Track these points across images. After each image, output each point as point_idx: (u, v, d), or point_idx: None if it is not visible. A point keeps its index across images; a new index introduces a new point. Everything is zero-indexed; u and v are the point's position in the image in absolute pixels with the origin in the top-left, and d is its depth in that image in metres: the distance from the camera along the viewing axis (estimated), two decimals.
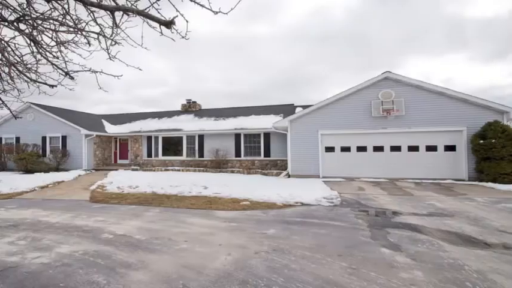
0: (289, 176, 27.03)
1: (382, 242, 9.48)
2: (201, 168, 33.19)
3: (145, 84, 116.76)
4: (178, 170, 33.07)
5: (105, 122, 42.60)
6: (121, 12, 5.15)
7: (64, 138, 36.52)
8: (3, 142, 38.26)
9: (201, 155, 35.86)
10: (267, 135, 33.70)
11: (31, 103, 36.70)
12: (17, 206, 16.26)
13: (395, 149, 24.92)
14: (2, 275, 7.25)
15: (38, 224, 12.14)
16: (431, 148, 24.19)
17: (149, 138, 38.37)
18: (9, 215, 13.80)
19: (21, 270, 7.48)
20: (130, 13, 5.09)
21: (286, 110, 36.87)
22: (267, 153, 33.84)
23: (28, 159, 32.55)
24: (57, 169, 33.84)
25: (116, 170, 34.64)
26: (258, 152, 34.23)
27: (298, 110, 30.28)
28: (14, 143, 37.59)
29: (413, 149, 24.55)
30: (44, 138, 37.21)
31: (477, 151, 22.03)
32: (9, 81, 6.73)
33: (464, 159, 23.22)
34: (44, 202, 17.41)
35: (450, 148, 23.82)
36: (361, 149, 25.70)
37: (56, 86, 6.27)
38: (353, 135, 25.75)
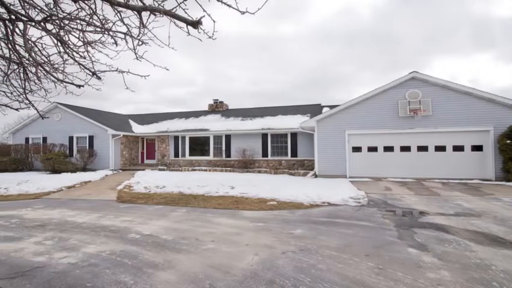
0: (316, 176, 26.95)
1: (409, 242, 9.44)
2: (228, 168, 33.32)
3: (172, 84, 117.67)
4: (205, 170, 33.22)
5: (132, 122, 42.99)
6: (148, 12, 5.19)
7: (91, 138, 36.80)
8: (30, 142, 38.68)
9: (228, 155, 36.01)
10: (294, 135, 33.73)
11: (58, 103, 37.25)
12: (44, 206, 16.41)
13: (422, 149, 24.76)
14: (29, 275, 7.29)
15: (65, 224, 12.27)
16: (458, 148, 23.99)
17: (176, 138, 38.54)
18: (36, 215, 13.94)
19: (48, 270, 7.52)
20: (157, 13, 5.14)
21: (313, 109, 36.83)
22: (294, 153, 33.85)
23: (55, 159, 32.84)
24: (84, 169, 34.07)
25: (143, 170, 34.79)
26: (285, 152, 34.24)
27: (325, 110, 30.26)
28: (41, 143, 37.97)
29: (440, 149, 24.37)
30: (71, 138, 37.55)
31: (504, 151, 21.86)
32: (36, 81, 6.75)
33: (491, 159, 23.01)
34: (70, 202, 17.56)
35: (477, 148, 23.61)
36: (388, 149, 25.53)
37: (83, 86, 6.34)
38: (380, 135, 25.63)
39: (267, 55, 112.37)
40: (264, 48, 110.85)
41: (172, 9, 5.01)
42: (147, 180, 25.26)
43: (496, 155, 22.92)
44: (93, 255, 8.55)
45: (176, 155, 38.54)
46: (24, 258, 8.39)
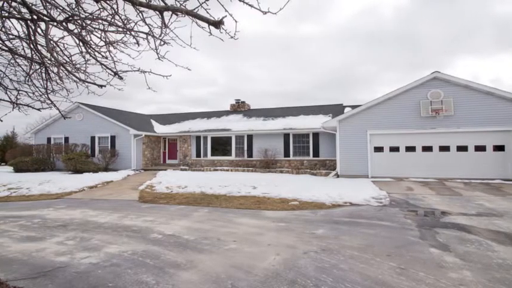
0: (338, 176, 26.96)
1: (430, 242, 9.46)
2: (250, 168, 33.43)
3: (194, 84, 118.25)
4: (227, 170, 33.33)
5: (153, 122, 43.27)
6: (170, 12, 5.19)
7: (113, 138, 36.98)
8: (52, 142, 39.11)
9: (250, 155, 36.06)
10: (316, 135, 33.71)
11: (80, 103, 37.53)
12: (66, 206, 16.60)
13: (444, 149, 24.63)
14: (51, 275, 7.35)
15: (87, 224, 12.43)
16: (480, 148, 23.84)
17: (198, 138, 38.62)
18: (58, 215, 14.11)
19: (70, 270, 7.59)
20: (179, 13, 5.14)
21: (335, 109, 36.80)
22: (316, 153, 33.82)
23: (77, 159, 33.11)
24: (106, 169, 34.28)
25: (165, 170, 34.96)
26: (307, 152, 34.25)
27: (347, 110, 30.12)
28: (63, 142, 38.36)
29: (462, 149, 24.22)
30: (92, 138, 37.76)
31: None
32: (58, 81, 6.69)
33: None
34: (92, 202, 17.75)
35: (499, 148, 23.49)
36: (410, 149, 25.44)
37: (104, 86, 6.35)
38: (402, 135, 25.55)
39: (289, 55, 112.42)
40: (286, 48, 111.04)
41: (194, 9, 4.98)
42: (169, 180, 25.34)
43: None
44: (115, 255, 8.65)
45: (198, 155, 38.61)
46: (46, 258, 8.48)
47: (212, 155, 37.83)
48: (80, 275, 7.33)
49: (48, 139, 39.92)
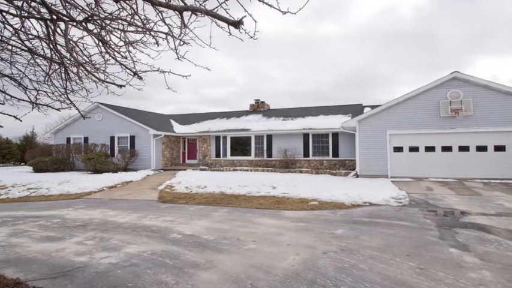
0: (357, 176, 27.12)
1: (450, 242, 9.51)
2: (269, 168, 33.57)
3: (213, 84, 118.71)
4: (247, 170, 33.51)
5: (173, 122, 43.53)
6: (189, 12, 5.17)
7: (132, 138, 37.20)
8: (72, 142, 39.53)
9: (269, 154, 36.25)
10: (336, 135, 33.86)
11: (100, 103, 37.73)
12: (86, 206, 16.74)
13: (464, 149, 24.68)
14: (71, 275, 7.41)
15: (106, 224, 12.56)
16: (499, 148, 23.86)
17: (217, 138, 38.82)
18: (77, 215, 14.24)
19: (90, 270, 7.66)
20: (198, 13, 5.12)
21: (355, 109, 36.95)
22: (336, 153, 33.98)
23: (96, 159, 33.41)
24: (125, 169, 34.53)
25: (184, 170, 35.26)
26: (327, 151, 34.39)
27: (366, 110, 30.18)
28: (82, 142, 38.76)
29: (481, 149, 24.27)
30: (112, 138, 38.01)
31: None
32: (78, 81, 6.69)
33: None
34: (112, 202, 17.91)
35: None
36: (429, 149, 25.53)
37: (124, 86, 6.36)
38: (421, 135, 25.65)
39: (308, 55, 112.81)
40: (305, 48, 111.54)
41: (213, 9, 5.00)
42: (188, 180, 25.50)
43: None
44: (135, 255, 8.74)
45: (218, 155, 38.80)
46: (65, 258, 8.57)
47: (232, 155, 38.06)
48: (99, 275, 7.41)
49: (68, 139, 40.28)
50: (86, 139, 39.11)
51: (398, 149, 26.23)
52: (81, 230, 11.41)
